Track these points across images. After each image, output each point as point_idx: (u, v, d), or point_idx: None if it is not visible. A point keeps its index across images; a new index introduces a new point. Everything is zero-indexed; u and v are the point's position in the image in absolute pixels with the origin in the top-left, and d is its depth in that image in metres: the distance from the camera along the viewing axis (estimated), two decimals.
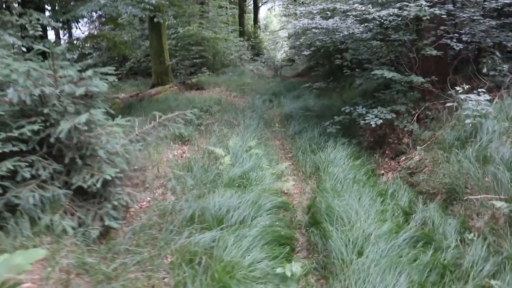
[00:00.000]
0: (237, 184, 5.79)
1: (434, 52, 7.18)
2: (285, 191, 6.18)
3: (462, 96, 6.30)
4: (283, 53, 30.14)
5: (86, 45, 20.33)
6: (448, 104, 6.56)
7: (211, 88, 15.81)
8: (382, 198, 5.33)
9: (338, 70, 17.29)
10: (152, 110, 10.50)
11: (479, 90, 6.17)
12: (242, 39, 26.06)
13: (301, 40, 11.18)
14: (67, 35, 23.38)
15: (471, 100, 6.15)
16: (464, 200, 5.11)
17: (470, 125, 6.03)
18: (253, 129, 9.15)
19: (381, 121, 7.07)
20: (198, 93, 14.54)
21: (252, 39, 28.93)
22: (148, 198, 5.59)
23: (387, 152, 7.87)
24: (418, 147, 6.87)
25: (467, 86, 6.43)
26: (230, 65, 22.19)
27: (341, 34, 7.75)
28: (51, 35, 24.79)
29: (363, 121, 7.22)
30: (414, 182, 6.27)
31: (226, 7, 28.94)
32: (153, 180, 5.88)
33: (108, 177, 4.09)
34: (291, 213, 5.35)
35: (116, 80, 5.21)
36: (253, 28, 34.43)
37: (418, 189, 6.03)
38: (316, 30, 8.37)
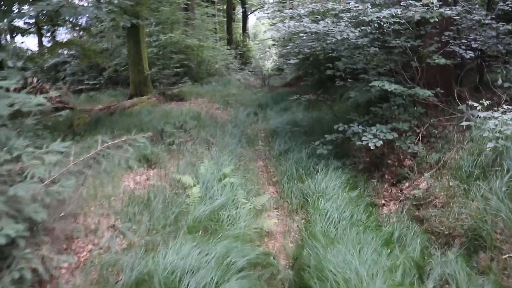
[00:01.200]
0: (203, 228, 4.48)
1: (443, 61, 5.96)
2: (266, 231, 4.91)
3: (482, 114, 5.07)
4: (272, 62, 28.91)
5: (64, 52, 19.00)
6: (464, 123, 5.32)
7: (193, 100, 14.52)
8: (389, 249, 4.05)
9: (328, 80, 16.11)
10: (121, 125, 9.23)
11: (507, 107, 4.93)
12: (229, 48, 24.80)
13: (288, 47, 9.90)
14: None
15: (492, 118, 4.93)
16: (495, 249, 3.90)
17: (491, 149, 4.80)
18: (233, 149, 7.87)
19: (381, 142, 5.82)
20: (177, 105, 13.24)
21: (239, 48, 27.65)
22: (90, 247, 4.29)
23: (386, 176, 6.64)
24: (425, 174, 5.64)
25: (487, 102, 5.20)
26: (216, 74, 20.89)
27: (333, 40, 6.50)
28: (33, 41, 23.57)
29: (360, 142, 5.96)
30: (422, 218, 5.05)
31: (213, 15, 27.65)
32: (99, 223, 4.59)
33: (2, 241, 2.78)
34: (272, 269, 4.05)
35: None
36: (241, 37, 33.24)
37: (428, 228, 4.82)
38: (304, 35, 7.14)
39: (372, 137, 5.93)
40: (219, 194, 5.17)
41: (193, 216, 4.56)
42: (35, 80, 14.74)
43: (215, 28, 26.51)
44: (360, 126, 6.40)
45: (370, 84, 6.12)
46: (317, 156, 6.86)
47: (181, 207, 4.95)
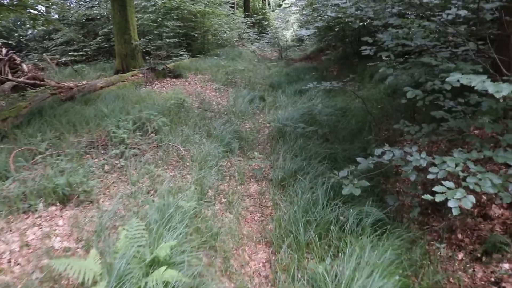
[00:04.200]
0: None
1: None
2: None
3: None
4: (293, 32, 25.38)
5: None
6: None
7: (192, 76, 11.54)
8: None
9: (354, 54, 12.93)
10: (66, 120, 6.32)
11: None
12: (243, 16, 21.45)
13: (305, 12, 6.78)
14: None
15: None
16: None
17: None
18: (210, 167, 4.94)
19: (473, 200, 2.79)
20: (167, 84, 10.29)
21: (255, 16, 24.16)
22: None
23: (459, 235, 3.70)
24: None
25: None
26: (226, 45, 17.72)
27: None
28: None
29: (430, 196, 2.94)
30: None
31: None
32: None
33: None
34: None
35: None
36: (260, 4, 29.69)
37: None
38: None
39: (451, 184, 2.92)
40: None
41: None
42: (4, 50, 11.91)
43: None
44: (422, 156, 3.38)
45: (448, 79, 3.04)
46: (342, 198, 3.87)
47: None
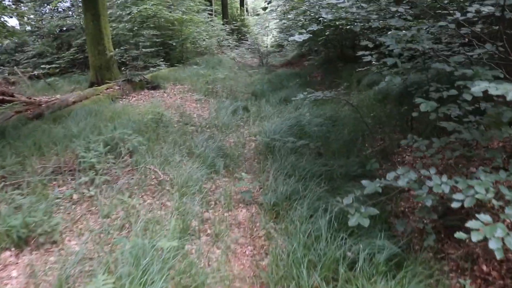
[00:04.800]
0: None
1: None
2: None
3: None
4: (272, 37, 24.87)
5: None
6: None
7: (171, 87, 10.91)
8: None
9: (339, 59, 12.49)
10: (31, 143, 5.65)
11: None
12: (222, 23, 20.89)
13: (289, 16, 6.26)
14: None
15: None
16: None
17: None
18: (193, 193, 4.34)
19: None
20: (144, 96, 9.65)
21: (234, 22, 23.61)
22: None
23: (484, 267, 3.21)
24: None
25: None
26: (206, 53, 17.12)
27: None
28: None
29: (468, 236, 2.38)
30: None
31: None
32: None
33: None
34: None
35: None
36: (238, 11, 29.16)
37: None
38: None
39: (487, 217, 2.36)
40: None
41: None
42: None
43: (209, 1, 22.46)
44: (442, 178, 2.84)
45: (473, 89, 2.49)
46: (349, 229, 3.30)
47: None
